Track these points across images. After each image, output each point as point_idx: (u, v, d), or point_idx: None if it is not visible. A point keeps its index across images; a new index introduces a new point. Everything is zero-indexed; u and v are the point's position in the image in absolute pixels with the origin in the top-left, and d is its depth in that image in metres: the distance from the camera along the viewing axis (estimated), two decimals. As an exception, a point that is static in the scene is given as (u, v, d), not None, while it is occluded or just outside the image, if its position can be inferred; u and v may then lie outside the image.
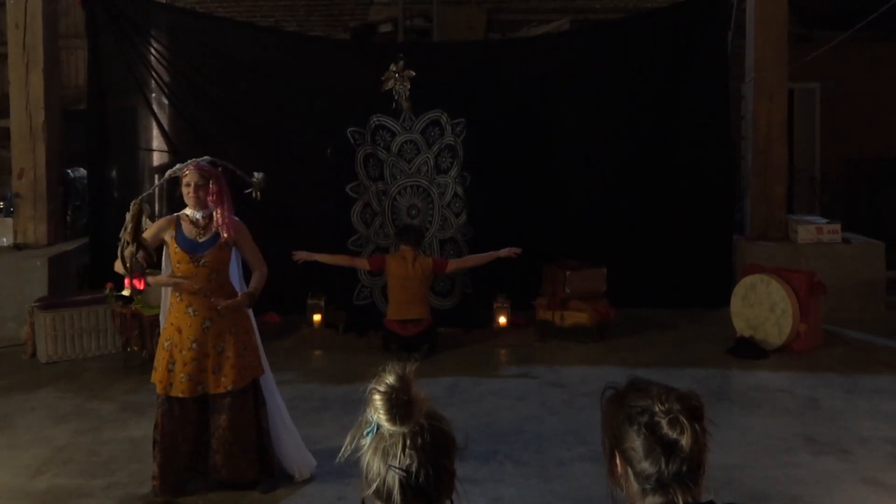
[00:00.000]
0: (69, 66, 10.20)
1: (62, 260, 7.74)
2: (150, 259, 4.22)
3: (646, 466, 1.61)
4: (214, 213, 4.19)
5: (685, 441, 1.58)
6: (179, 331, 4.17)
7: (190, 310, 4.17)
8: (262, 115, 8.31)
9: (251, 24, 10.23)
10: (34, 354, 6.84)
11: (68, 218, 8.54)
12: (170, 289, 4.29)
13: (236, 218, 4.28)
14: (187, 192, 4.17)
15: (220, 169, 4.25)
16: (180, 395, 4.12)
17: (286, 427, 4.45)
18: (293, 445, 4.44)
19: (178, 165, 4.24)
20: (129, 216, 4.06)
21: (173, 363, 4.14)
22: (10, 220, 8.06)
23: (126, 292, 4.37)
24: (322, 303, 7.62)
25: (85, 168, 8.70)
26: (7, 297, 7.35)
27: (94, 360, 6.80)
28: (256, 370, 4.29)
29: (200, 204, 4.17)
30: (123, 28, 8.24)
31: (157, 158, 8.58)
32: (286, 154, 8.21)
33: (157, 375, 4.19)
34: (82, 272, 7.94)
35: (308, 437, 4.99)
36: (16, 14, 7.87)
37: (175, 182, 4.40)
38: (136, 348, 6.57)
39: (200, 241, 4.17)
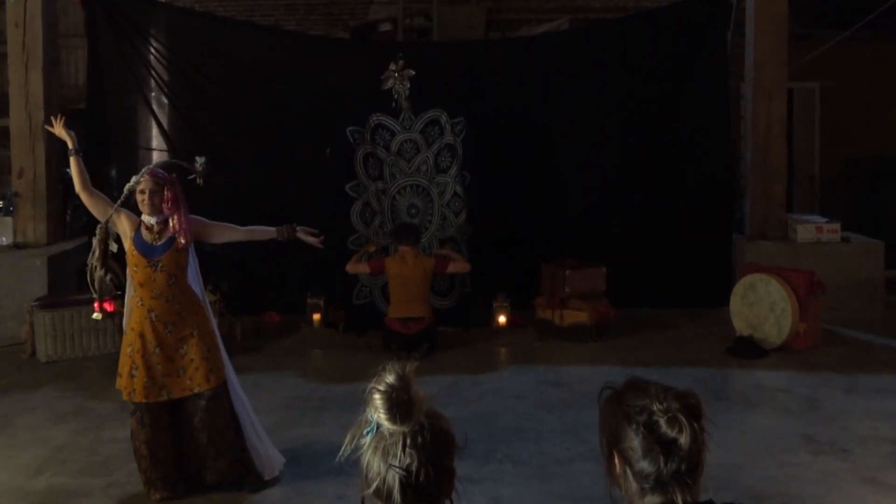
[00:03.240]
0: (69, 66, 10.19)
1: (62, 259, 7.74)
2: (119, 280, 4.30)
3: (644, 465, 1.61)
4: (171, 220, 4.20)
5: (684, 440, 1.58)
6: (141, 336, 4.16)
7: (152, 315, 4.17)
8: (261, 114, 8.30)
9: (251, 23, 10.22)
10: (33, 354, 6.84)
11: (68, 217, 8.54)
12: (131, 295, 4.29)
13: (192, 216, 4.29)
14: (142, 200, 4.17)
15: (174, 175, 4.27)
16: (143, 400, 4.12)
17: (252, 424, 4.44)
18: (259, 443, 4.43)
19: (134, 178, 4.23)
20: (95, 241, 4.17)
21: (136, 368, 4.14)
22: (9, 220, 8.06)
23: (97, 316, 4.44)
24: (322, 302, 7.62)
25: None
26: (6, 296, 7.34)
27: (93, 360, 6.80)
28: (222, 372, 4.27)
29: (155, 210, 4.18)
30: (123, 27, 8.23)
31: (156, 158, 8.56)
32: (286, 153, 8.21)
33: (122, 381, 4.19)
34: (82, 271, 7.92)
35: (308, 436, 5.02)
36: (15, 13, 7.86)
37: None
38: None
39: (156, 245, 4.18)
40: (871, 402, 5.57)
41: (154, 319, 4.16)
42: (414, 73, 7.60)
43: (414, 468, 1.52)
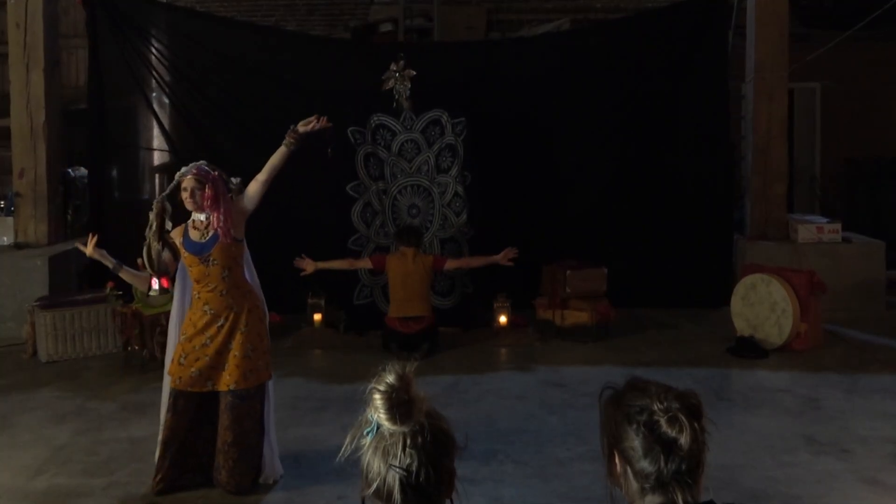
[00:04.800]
0: (69, 66, 10.20)
1: (62, 259, 7.74)
2: (175, 258, 4.35)
3: (645, 465, 1.61)
4: (210, 217, 4.26)
5: (684, 439, 1.58)
6: (195, 326, 4.27)
7: (206, 307, 4.26)
8: (261, 114, 8.28)
9: (251, 23, 10.24)
10: (34, 354, 6.84)
11: (69, 217, 8.55)
12: (188, 286, 4.38)
13: (228, 197, 4.31)
14: (185, 197, 4.26)
15: (217, 173, 4.32)
16: (188, 388, 4.21)
17: (269, 432, 4.45)
18: (269, 450, 4.43)
19: (185, 168, 4.29)
20: (152, 215, 4.24)
21: (185, 357, 4.23)
22: (10, 220, 8.06)
23: (154, 292, 4.49)
24: (322, 302, 7.62)
25: (85, 167, 8.70)
26: (7, 296, 7.35)
27: (94, 360, 6.80)
28: (263, 374, 4.32)
29: (197, 206, 4.27)
30: (123, 27, 8.24)
31: (157, 157, 8.58)
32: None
33: (172, 367, 4.29)
34: (83, 272, 7.94)
35: (308, 436, 5.02)
36: (16, 14, 7.87)
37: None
38: (136, 348, 6.58)
39: (204, 241, 4.25)
40: (871, 403, 5.56)
41: (209, 312, 4.25)
42: (415, 73, 7.62)
43: (414, 468, 1.52)
